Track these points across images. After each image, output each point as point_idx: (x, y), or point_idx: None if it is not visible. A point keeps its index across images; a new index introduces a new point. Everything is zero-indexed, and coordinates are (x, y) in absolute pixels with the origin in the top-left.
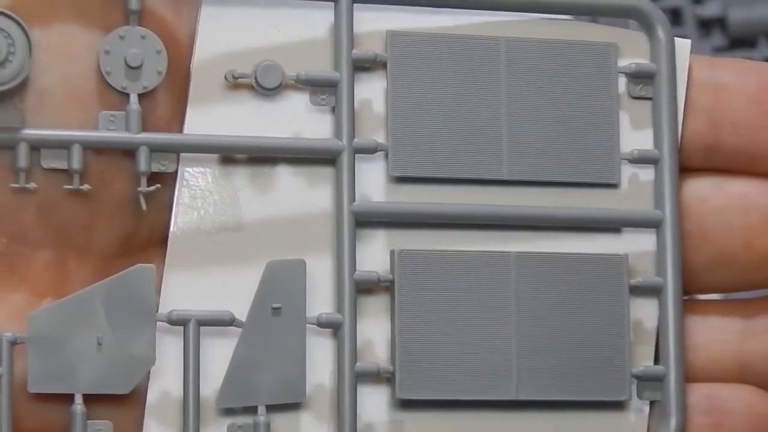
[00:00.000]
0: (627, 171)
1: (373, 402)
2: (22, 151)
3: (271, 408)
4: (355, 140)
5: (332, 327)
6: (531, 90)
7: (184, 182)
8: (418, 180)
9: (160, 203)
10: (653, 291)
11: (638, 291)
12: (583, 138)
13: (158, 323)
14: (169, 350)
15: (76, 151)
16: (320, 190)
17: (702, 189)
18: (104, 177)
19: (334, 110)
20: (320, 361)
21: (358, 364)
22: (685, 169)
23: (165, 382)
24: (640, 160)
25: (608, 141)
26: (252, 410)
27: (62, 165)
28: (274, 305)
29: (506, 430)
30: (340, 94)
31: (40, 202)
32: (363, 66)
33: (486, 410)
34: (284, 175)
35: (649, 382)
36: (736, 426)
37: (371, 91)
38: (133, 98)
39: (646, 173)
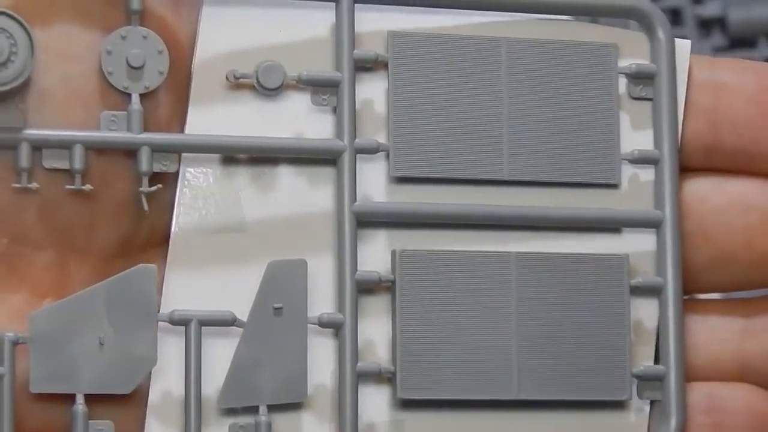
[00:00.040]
0: (627, 171)
1: (375, 402)
2: (24, 151)
3: (272, 408)
4: (357, 140)
5: (333, 327)
6: (531, 90)
7: (186, 182)
8: (419, 180)
9: (162, 203)
10: (653, 291)
11: (638, 291)
12: (583, 138)
13: (160, 323)
14: (170, 350)
15: (78, 152)
16: (321, 190)
17: (702, 189)
18: (106, 177)
19: (335, 110)
20: (321, 361)
21: (359, 364)
22: (685, 169)
23: (166, 382)
24: (641, 160)
25: (608, 141)
26: (253, 410)
27: (64, 165)
28: (276, 305)
29: (507, 429)
30: (341, 94)
31: (42, 202)
32: (364, 66)
33: (487, 410)
34: (285, 175)
35: (649, 381)
36: (736, 425)
37: (372, 91)
38: (135, 98)
39: (646, 173)
